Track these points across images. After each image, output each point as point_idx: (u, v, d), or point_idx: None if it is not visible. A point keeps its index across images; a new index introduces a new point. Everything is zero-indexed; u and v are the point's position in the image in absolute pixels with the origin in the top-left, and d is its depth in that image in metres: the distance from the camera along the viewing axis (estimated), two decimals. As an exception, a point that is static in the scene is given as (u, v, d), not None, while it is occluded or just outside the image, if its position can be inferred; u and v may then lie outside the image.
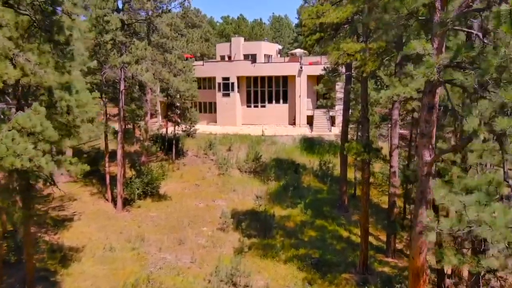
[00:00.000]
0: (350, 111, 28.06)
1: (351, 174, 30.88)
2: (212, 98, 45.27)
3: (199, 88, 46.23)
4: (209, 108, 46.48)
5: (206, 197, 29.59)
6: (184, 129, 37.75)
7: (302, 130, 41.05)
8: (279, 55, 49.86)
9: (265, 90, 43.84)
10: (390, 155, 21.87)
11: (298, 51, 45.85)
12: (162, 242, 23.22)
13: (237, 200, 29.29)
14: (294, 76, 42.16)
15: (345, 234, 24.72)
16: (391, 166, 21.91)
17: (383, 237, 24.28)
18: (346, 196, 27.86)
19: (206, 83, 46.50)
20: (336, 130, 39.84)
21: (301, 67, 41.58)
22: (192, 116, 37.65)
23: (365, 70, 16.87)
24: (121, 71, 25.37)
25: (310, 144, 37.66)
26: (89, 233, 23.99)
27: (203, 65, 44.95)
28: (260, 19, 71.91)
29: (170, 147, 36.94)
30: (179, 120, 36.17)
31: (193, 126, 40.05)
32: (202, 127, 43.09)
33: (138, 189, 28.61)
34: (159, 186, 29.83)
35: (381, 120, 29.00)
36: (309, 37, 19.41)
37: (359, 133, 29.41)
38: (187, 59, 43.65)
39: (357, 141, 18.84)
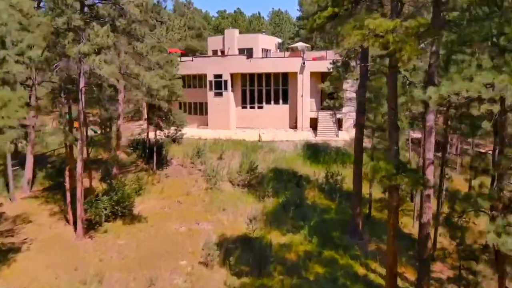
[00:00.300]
0: (365, 114, 22.79)
1: (364, 189, 25.66)
2: (203, 98, 40.08)
3: (189, 86, 41.17)
4: (200, 109, 41.28)
5: (189, 218, 24.39)
6: (167, 134, 32.55)
7: (305, 134, 35.83)
8: (278, 50, 44.69)
9: (262, 89, 38.65)
10: (423, 173, 16.64)
11: (300, 45, 40.60)
12: (126, 284, 18.06)
13: (226, 222, 24.10)
14: (295, 73, 36.97)
15: (361, 270, 19.49)
16: (423, 187, 16.66)
17: (410, 275, 19.10)
18: (360, 218, 22.67)
19: (196, 81, 41.30)
20: (344, 135, 34.66)
21: (303, 63, 36.38)
22: (177, 119, 32.47)
23: (400, 58, 11.68)
24: (79, 63, 20.18)
25: (314, 152, 32.44)
26: (34, 271, 18.81)
27: (192, 60, 39.74)
28: (259, 13, 66.97)
29: (153, 154, 31.80)
30: (161, 124, 30.93)
31: (180, 130, 34.91)
32: (191, 131, 37.90)
33: (105, 209, 23.43)
34: (132, 205, 24.67)
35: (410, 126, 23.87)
36: (317, 14, 14.19)
37: (376, 140, 24.25)
38: (182, 54, 38.55)
39: (385, 159, 13.64)
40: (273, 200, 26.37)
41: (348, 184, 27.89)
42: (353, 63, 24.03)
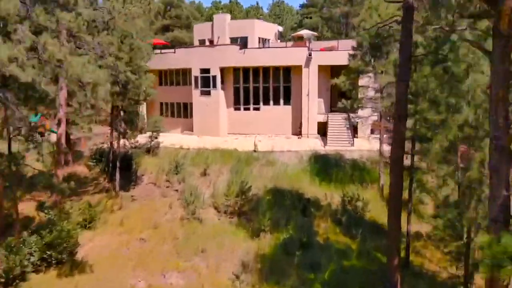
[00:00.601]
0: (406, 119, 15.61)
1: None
2: (187, 97, 33.08)
3: (171, 84, 34.22)
4: (184, 112, 34.26)
5: (153, 266, 17.38)
6: (135, 144, 25.53)
7: (312, 143, 28.81)
8: (279, 40, 37.59)
9: (259, 87, 31.63)
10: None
11: (306, 32, 33.49)
12: None
13: (205, 272, 17.08)
14: (300, 67, 29.96)
15: None
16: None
17: None
18: (398, 271, 15.60)
19: (179, 77, 34.30)
20: (362, 143, 27.59)
21: (309, 54, 29.35)
22: (151, 124, 25.54)
23: None
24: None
25: (324, 166, 25.39)
26: None
27: (174, 52, 32.71)
28: (257, 4, 60.00)
29: (122, 168, 24.89)
30: (125, 130, 23.87)
31: (155, 137, 27.94)
32: (173, 138, 30.96)
33: (32, 255, 16.44)
34: (74, 247, 17.68)
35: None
36: None
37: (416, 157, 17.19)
38: (166, 47, 31.57)
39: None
40: (271, 237, 19.33)
41: (372, 212, 20.94)
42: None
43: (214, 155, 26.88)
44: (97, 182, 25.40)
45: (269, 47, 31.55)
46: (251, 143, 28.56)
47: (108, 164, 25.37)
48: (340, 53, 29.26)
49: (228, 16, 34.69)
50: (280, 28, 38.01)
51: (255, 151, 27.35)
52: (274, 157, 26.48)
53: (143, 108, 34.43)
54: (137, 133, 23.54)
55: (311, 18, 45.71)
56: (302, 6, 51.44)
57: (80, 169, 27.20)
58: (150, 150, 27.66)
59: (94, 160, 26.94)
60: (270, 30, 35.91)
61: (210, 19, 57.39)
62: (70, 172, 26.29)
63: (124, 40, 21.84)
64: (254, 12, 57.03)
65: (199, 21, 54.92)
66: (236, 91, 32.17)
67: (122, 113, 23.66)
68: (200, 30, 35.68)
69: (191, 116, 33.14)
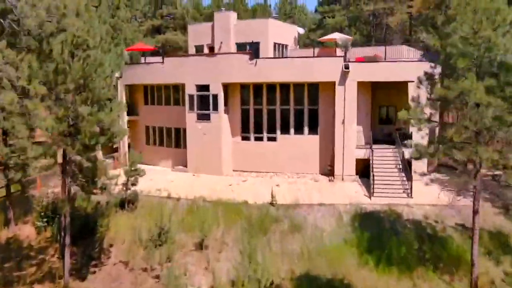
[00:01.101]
0: None
1: None
2: (179, 121, 25.09)
3: (158, 103, 26.27)
4: (176, 139, 26.22)
5: None
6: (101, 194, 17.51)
7: (350, 190, 20.79)
8: (297, 46, 29.29)
9: (275, 109, 23.58)
10: None
11: (340, 37, 25.17)
12: None
13: None
14: (332, 84, 21.94)
15: None
16: None
17: None
18: None
19: (169, 93, 26.24)
20: (420, 189, 19.34)
21: (346, 67, 21.27)
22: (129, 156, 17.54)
23: None
24: None
25: (376, 233, 17.31)
26: None
27: (162, 63, 24.61)
28: (265, 1, 51.91)
29: (82, 231, 16.97)
30: (83, 183, 15.76)
31: (134, 184, 19.92)
32: (159, 178, 23.06)
33: None
34: None
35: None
36: None
37: None
38: (153, 53, 23.66)
39: None
40: None
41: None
42: None
43: (214, 212, 18.86)
44: (43, 258, 17.40)
45: (288, 57, 23.40)
46: (265, 187, 20.67)
47: (60, 230, 17.34)
48: (389, 66, 21.26)
49: (234, 14, 26.46)
50: (301, 30, 29.77)
51: (272, 204, 19.32)
52: (301, 216, 18.46)
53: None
54: (97, 190, 15.35)
55: (333, 17, 37.68)
56: (321, 3, 43.03)
57: (27, 230, 19.30)
58: (124, 202, 19.61)
59: (45, 219, 18.94)
60: (288, 32, 27.67)
61: (210, 19, 49.44)
62: (10, 237, 18.43)
63: (76, 50, 13.77)
64: (261, 11, 48.93)
65: (197, 22, 46.79)
66: (245, 114, 24.08)
67: (74, 162, 15.59)
68: (197, 33, 27.40)
69: (185, 146, 25.11)
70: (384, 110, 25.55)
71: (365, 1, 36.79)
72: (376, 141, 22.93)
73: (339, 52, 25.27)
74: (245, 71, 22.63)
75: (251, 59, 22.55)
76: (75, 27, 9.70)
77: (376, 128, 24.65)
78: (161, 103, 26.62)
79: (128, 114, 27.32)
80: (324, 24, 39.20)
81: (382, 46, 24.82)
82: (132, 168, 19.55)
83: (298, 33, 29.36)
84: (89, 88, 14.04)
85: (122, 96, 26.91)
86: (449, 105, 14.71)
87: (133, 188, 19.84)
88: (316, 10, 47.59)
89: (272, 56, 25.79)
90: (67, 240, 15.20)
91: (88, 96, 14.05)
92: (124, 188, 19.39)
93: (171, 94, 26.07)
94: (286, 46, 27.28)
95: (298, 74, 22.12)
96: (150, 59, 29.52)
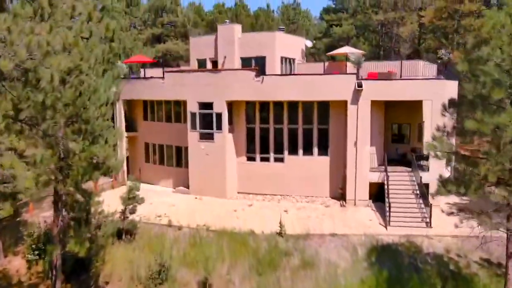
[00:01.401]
0: None
1: None
2: (180, 139, 23.76)
3: (159, 119, 25.06)
4: (177, 158, 24.89)
5: None
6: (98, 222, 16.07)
7: (364, 217, 19.44)
8: (304, 60, 27.72)
9: (282, 129, 22.22)
10: None
11: (351, 51, 23.72)
12: None
13: None
14: (344, 103, 20.58)
15: None
16: None
17: None
18: None
19: (170, 110, 24.91)
20: (437, 217, 17.92)
21: (359, 85, 19.90)
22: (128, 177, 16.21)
23: None
24: None
25: (395, 271, 15.96)
26: None
27: (163, 78, 23.24)
28: (268, 6, 50.43)
29: (75, 267, 15.70)
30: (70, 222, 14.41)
31: (133, 211, 18.62)
32: (159, 201, 21.72)
33: None
34: None
35: None
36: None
37: None
38: (153, 64, 22.42)
39: None
40: None
41: None
42: None
43: (218, 244, 17.48)
44: (32, 298, 16.06)
45: (297, 74, 21.89)
46: (273, 213, 19.33)
47: (52, 267, 15.97)
48: (405, 84, 19.92)
49: (238, 27, 25.03)
50: (309, 43, 28.29)
51: (281, 234, 17.96)
52: (312, 249, 17.11)
53: (122, 147, 25.16)
54: (85, 234, 13.94)
55: (340, 26, 36.16)
56: (327, 11, 41.46)
57: (17, 263, 17.96)
58: (124, 232, 18.25)
59: (37, 252, 17.59)
60: (295, 45, 26.25)
61: (212, 26, 48.01)
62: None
63: (68, 76, 12.39)
64: (264, 17, 47.49)
65: (199, 28, 45.52)
66: (250, 134, 22.75)
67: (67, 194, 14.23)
68: (200, 46, 25.96)
69: (186, 165, 23.77)
70: (397, 127, 24.21)
71: (374, 9, 35.33)
72: (389, 161, 21.56)
73: (349, 66, 23.93)
74: (251, 89, 21.27)
75: (257, 76, 21.19)
76: (62, 65, 8.36)
77: (389, 147, 23.30)
78: (162, 120, 25.27)
79: (127, 130, 26.09)
80: (331, 33, 37.75)
81: (396, 61, 23.48)
82: (130, 196, 18.21)
83: (306, 46, 27.95)
84: (82, 119, 12.69)
85: (120, 112, 25.62)
86: (475, 136, 13.38)
87: (131, 217, 18.51)
88: (321, 15, 46.03)
89: (279, 71, 24.41)
90: (58, 285, 13.84)
91: (80, 127, 12.70)
92: (122, 217, 18.05)
93: (172, 110, 24.72)
94: (294, 60, 25.89)
95: (307, 92, 20.75)
96: (150, 71, 28.23)
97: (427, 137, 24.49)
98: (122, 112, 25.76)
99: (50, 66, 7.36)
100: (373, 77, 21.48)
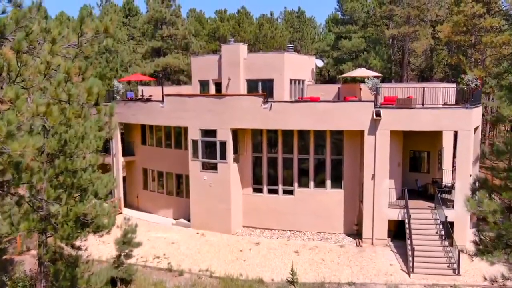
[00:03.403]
0: None
1: None
2: (181, 166, 21.97)
3: (158, 144, 23.30)
4: (177, 187, 23.10)
5: None
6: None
7: (383, 262, 17.62)
8: (313, 81, 25.64)
9: (292, 159, 20.41)
10: None
11: (366, 74, 21.81)
12: None
13: None
14: (360, 133, 18.77)
15: None
16: None
17: None
18: None
19: (170, 136, 23.11)
20: (475, 265, 16.10)
21: (377, 114, 18.08)
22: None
23: None
24: None
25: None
26: None
27: (162, 101, 21.41)
28: (271, 14, 48.39)
29: None
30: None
31: (128, 256, 16.77)
32: (157, 236, 19.95)
33: None
34: None
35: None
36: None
37: None
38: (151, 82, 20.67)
39: None
40: None
41: None
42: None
43: (223, 294, 15.68)
44: None
45: (307, 100, 20.06)
46: (282, 253, 17.54)
47: (36, 327, 14.14)
48: (427, 114, 18.10)
49: (244, 47, 23.09)
50: (319, 63, 26.29)
51: (292, 283, 16.13)
52: (329, 303, 15.25)
53: (118, 169, 23.38)
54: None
55: (349, 39, 34.22)
56: (335, 22, 39.37)
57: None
58: (117, 281, 16.42)
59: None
60: (305, 66, 24.36)
61: (214, 34, 46.23)
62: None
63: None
64: (267, 25, 45.63)
65: (200, 39, 43.80)
66: (257, 163, 20.96)
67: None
68: (202, 67, 24.04)
69: (187, 195, 21.98)
70: (415, 155, 22.41)
71: (385, 21, 33.46)
72: (408, 193, 19.71)
73: (363, 88, 22.13)
74: (258, 116, 19.47)
75: (265, 102, 19.38)
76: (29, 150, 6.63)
77: (407, 176, 21.50)
78: (161, 145, 23.47)
79: (124, 154, 24.38)
80: (339, 46, 35.86)
81: (411, 81, 21.65)
82: (126, 240, 16.39)
83: (317, 66, 26.10)
84: (66, 171, 10.90)
85: (117, 135, 23.82)
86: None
87: (127, 263, 16.68)
88: (327, 25, 44.14)
89: (288, 94, 22.54)
90: None
91: (65, 181, 10.91)
92: (116, 264, 16.24)
93: (172, 134, 22.94)
94: (303, 81, 24.07)
95: (320, 121, 18.94)
96: (148, 89, 26.48)
97: (446, 164, 22.89)
98: (119, 135, 23.98)
99: (12, 151, 5.58)
100: (390, 101, 19.65)
